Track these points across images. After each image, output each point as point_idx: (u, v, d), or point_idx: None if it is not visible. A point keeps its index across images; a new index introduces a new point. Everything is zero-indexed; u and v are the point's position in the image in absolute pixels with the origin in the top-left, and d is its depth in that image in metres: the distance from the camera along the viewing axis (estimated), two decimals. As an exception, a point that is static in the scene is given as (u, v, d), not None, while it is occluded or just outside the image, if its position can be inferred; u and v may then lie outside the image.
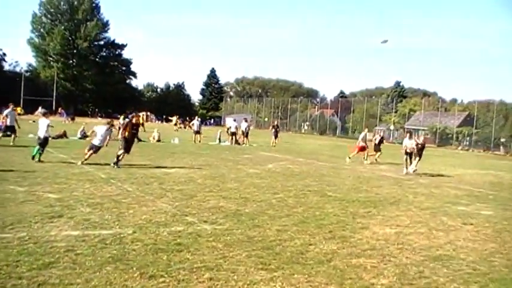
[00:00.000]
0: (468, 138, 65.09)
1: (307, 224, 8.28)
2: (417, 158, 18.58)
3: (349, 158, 22.23)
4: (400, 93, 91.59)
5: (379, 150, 23.31)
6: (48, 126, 15.25)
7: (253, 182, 13.40)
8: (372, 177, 17.07)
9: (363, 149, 22.78)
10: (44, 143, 14.96)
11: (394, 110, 77.41)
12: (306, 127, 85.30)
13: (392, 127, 74.67)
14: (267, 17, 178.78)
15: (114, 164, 14.62)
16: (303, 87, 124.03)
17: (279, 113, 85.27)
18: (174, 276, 5.26)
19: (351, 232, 7.92)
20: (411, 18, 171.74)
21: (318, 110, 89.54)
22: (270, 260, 6.06)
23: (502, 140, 61.48)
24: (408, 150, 18.59)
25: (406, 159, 18.77)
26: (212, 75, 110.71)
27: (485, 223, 9.66)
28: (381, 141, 23.65)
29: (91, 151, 14.98)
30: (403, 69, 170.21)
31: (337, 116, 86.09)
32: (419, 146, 18.73)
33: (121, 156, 14.83)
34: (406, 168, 18.59)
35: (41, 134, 14.96)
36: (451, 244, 7.63)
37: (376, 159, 23.13)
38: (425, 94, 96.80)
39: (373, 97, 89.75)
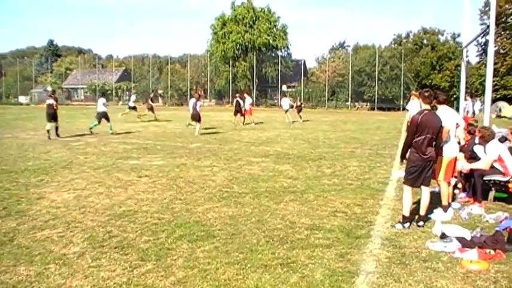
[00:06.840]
0: (127, 92, 68.21)
1: (-25, 206, 7.30)
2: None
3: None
4: (54, 52, 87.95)
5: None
6: None
7: None
8: (37, 143, 16.18)
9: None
10: None
11: (49, 70, 74.16)
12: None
13: (49, 88, 71.56)
14: None
15: None
16: None
17: None
18: None
19: (27, 205, 7.37)
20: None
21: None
22: None
23: (160, 91, 66.95)
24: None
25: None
26: None
27: (159, 173, 10.38)
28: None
29: None
30: (55, 27, 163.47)
31: (-12, 82, 77.35)
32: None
33: None
34: None
35: None
36: (132, 199, 7.88)
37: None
38: (81, 52, 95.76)
39: (26, 58, 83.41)
